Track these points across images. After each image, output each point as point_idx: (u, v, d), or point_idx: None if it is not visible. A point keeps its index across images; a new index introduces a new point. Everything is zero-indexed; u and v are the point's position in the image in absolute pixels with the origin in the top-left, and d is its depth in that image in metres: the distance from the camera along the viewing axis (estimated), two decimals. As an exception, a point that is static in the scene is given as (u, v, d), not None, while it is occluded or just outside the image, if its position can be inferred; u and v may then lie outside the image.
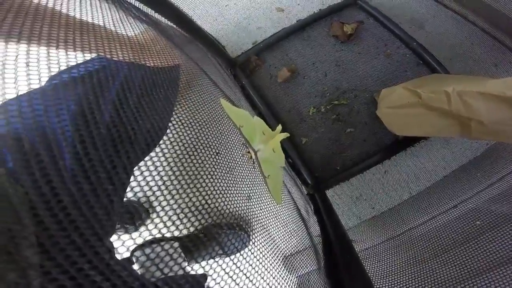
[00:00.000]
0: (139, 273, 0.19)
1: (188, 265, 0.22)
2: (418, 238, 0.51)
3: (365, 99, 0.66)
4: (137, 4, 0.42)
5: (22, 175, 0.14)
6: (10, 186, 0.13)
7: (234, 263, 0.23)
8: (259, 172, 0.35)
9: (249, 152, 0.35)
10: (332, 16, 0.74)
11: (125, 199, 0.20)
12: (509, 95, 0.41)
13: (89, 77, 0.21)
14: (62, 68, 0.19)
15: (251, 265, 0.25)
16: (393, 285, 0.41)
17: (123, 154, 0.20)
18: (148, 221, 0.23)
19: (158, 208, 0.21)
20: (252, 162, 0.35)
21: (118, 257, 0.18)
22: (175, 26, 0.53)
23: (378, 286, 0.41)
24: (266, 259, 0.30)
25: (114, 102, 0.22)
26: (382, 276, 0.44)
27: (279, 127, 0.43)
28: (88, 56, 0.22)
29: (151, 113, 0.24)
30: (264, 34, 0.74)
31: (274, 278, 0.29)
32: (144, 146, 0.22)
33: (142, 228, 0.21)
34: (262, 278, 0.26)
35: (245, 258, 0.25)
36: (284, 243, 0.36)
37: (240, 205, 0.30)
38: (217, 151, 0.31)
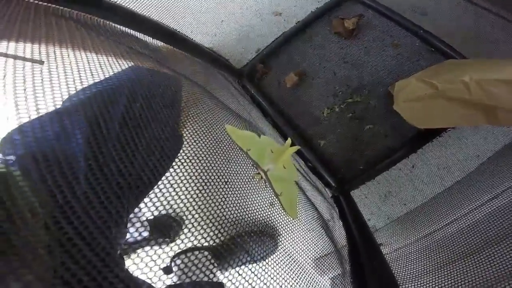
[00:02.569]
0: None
1: (219, 272, 0.24)
2: (451, 236, 0.47)
3: (380, 93, 0.63)
4: (134, 33, 0.42)
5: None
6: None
7: (257, 270, 0.26)
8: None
9: (259, 173, 0.35)
10: (331, 13, 0.73)
11: (156, 214, 0.22)
12: None
13: (95, 102, 0.23)
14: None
15: (275, 270, 0.28)
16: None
17: (124, 195, 0.21)
18: (181, 233, 0.26)
19: (188, 223, 0.24)
20: (263, 182, 0.35)
21: (156, 267, 0.20)
22: (176, 49, 0.53)
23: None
24: (286, 265, 0.31)
25: (118, 136, 0.23)
26: (411, 279, 0.41)
27: (289, 141, 0.42)
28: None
29: (156, 143, 0.25)
30: (266, 41, 0.73)
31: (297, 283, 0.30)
32: (147, 181, 0.23)
33: (177, 239, 0.24)
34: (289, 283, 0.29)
35: (267, 265, 0.28)
36: (304, 250, 0.36)
37: (264, 212, 0.32)
38: (227, 180, 0.32)
